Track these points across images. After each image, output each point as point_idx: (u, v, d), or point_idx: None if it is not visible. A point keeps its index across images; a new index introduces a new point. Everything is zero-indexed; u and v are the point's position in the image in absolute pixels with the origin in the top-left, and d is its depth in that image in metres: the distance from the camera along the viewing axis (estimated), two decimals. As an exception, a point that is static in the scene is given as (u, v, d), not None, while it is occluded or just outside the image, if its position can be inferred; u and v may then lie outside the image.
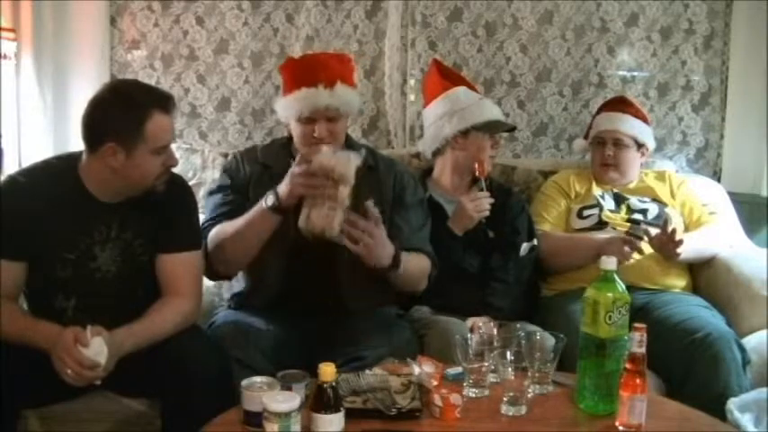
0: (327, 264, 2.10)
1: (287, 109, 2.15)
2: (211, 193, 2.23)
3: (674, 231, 2.37)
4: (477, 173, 2.42)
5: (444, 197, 2.51)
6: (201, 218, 2.16)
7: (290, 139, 2.24)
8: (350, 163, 1.92)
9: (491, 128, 2.49)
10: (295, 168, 1.96)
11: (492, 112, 2.52)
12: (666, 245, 2.37)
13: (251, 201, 2.10)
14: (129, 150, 1.84)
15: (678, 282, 2.52)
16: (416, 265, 2.14)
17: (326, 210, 1.91)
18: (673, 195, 2.67)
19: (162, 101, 1.88)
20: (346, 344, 2.01)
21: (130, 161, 1.85)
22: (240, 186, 2.19)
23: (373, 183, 2.20)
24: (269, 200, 1.99)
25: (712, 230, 2.59)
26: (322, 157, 1.93)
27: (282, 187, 1.98)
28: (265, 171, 2.18)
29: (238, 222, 2.05)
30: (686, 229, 2.60)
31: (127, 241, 1.96)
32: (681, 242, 2.36)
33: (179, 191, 2.07)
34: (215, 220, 2.13)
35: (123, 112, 1.84)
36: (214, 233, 2.09)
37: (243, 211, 2.07)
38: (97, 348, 1.73)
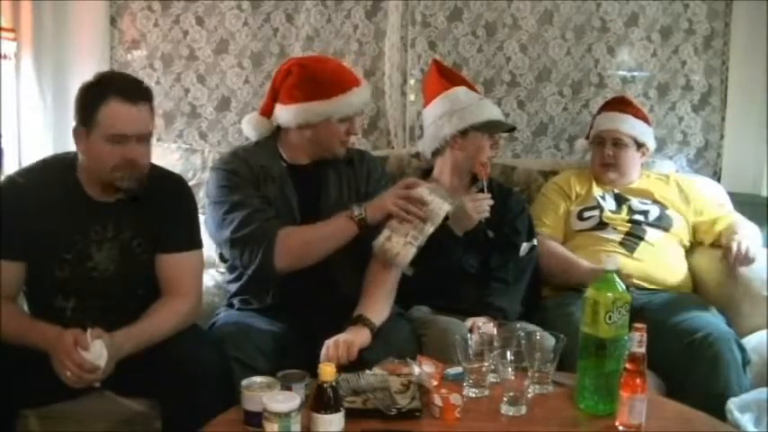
0: (324, 264, 2.11)
1: (330, 110, 2.14)
2: (230, 191, 2.13)
3: (747, 251, 2.41)
4: (479, 174, 2.42)
5: (444, 197, 2.51)
6: (201, 218, 2.16)
7: (267, 141, 2.25)
8: (443, 206, 2.04)
9: (490, 128, 2.48)
10: (397, 190, 2.06)
11: (491, 112, 2.52)
12: (742, 263, 2.42)
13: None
14: (87, 134, 1.87)
15: (678, 282, 2.52)
16: None
17: (408, 239, 2.02)
18: (686, 202, 2.66)
19: (125, 89, 1.87)
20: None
21: (89, 146, 1.88)
22: (252, 182, 2.17)
23: (351, 176, 2.26)
24: (356, 211, 2.05)
25: (747, 226, 2.59)
26: (422, 190, 2.04)
27: (376, 202, 2.07)
28: (261, 170, 2.18)
29: (319, 228, 2.10)
30: (695, 231, 2.63)
31: (125, 241, 1.96)
32: (753, 256, 2.42)
33: (179, 191, 2.07)
34: (259, 213, 2.09)
35: (85, 94, 1.88)
36: (288, 234, 2.07)
37: (271, 202, 2.13)
38: (97, 351, 1.73)
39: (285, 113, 2.18)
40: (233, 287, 2.25)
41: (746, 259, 2.41)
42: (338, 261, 2.12)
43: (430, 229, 2.04)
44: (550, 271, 2.51)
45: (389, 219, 2.04)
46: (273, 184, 2.17)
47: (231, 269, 2.26)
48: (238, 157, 2.21)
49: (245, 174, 2.16)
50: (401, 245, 2.02)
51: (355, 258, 2.15)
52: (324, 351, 1.91)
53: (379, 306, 2.10)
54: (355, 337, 1.96)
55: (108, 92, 1.86)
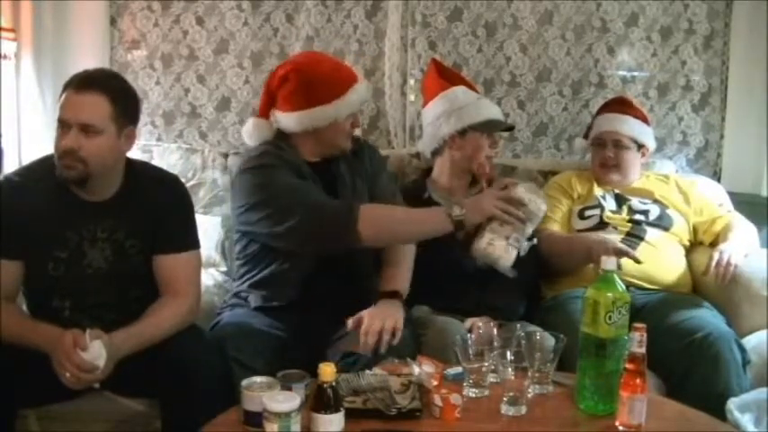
0: (350, 273, 2.15)
1: (334, 113, 2.13)
2: (272, 170, 2.10)
3: (726, 264, 2.39)
4: (480, 176, 2.41)
5: (444, 198, 2.51)
6: (202, 218, 2.15)
7: (281, 140, 2.23)
8: (541, 206, 2.02)
9: (489, 127, 2.48)
10: (495, 191, 2.03)
11: (490, 111, 2.51)
12: (724, 274, 2.40)
13: None
14: None
15: (678, 282, 2.52)
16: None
17: (510, 241, 2.00)
18: (687, 202, 2.65)
19: (77, 79, 1.89)
20: (345, 341, 2.03)
21: None
22: (293, 173, 2.14)
23: (357, 165, 2.27)
24: (456, 211, 1.99)
25: (741, 227, 2.58)
26: (521, 190, 2.01)
27: (475, 204, 2.02)
28: (294, 166, 2.15)
29: (411, 211, 2.13)
30: (695, 231, 2.63)
31: (118, 241, 1.96)
32: (735, 266, 2.40)
33: (175, 191, 2.07)
34: (309, 191, 2.08)
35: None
36: (373, 207, 2.10)
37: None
38: (96, 352, 1.74)
39: (287, 120, 2.16)
40: (252, 281, 2.20)
41: (727, 270, 2.39)
42: (364, 259, 2.15)
43: (529, 229, 2.02)
44: (554, 253, 2.49)
45: (488, 221, 2.01)
46: (306, 179, 2.15)
47: (255, 260, 2.20)
48: (269, 154, 2.17)
49: (282, 165, 2.13)
50: (503, 248, 2.00)
51: (377, 262, 2.19)
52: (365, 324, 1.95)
53: (404, 282, 2.17)
54: (396, 311, 2.01)
55: (67, 84, 1.90)
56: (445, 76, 2.62)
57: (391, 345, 1.95)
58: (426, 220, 2.07)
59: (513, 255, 2.01)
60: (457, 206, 2.00)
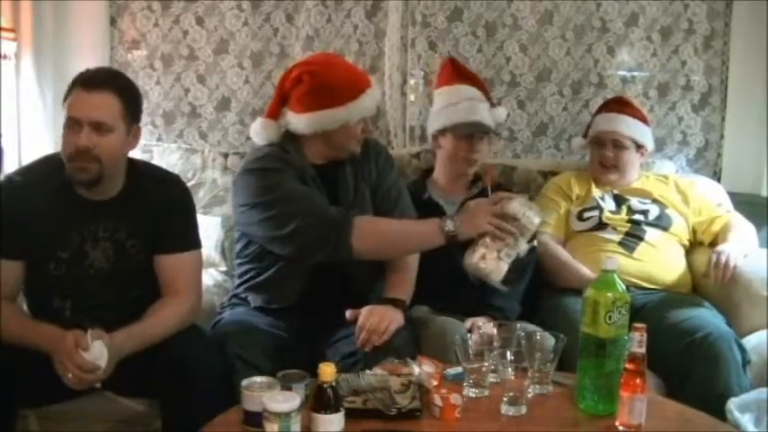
0: (347, 277, 2.15)
1: (346, 116, 2.12)
2: (275, 174, 2.10)
3: (726, 265, 2.39)
4: (483, 180, 2.42)
5: (443, 197, 2.52)
6: (203, 218, 2.15)
7: (287, 143, 2.22)
8: (534, 220, 2.01)
9: (460, 130, 2.48)
10: (489, 206, 2.02)
11: (466, 114, 2.48)
12: (724, 275, 2.40)
13: None
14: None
15: (678, 281, 2.52)
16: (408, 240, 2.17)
17: (501, 255, 1.99)
18: (686, 203, 2.65)
19: (85, 77, 1.89)
20: (344, 342, 2.04)
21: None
22: (296, 178, 2.14)
23: (363, 167, 2.26)
24: (448, 225, 2.00)
25: (740, 227, 2.58)
26: (515, 205, 2.00)
27: (469, 219, 2.01)
28: (297, 171, 2.15)
29: (404, 224, 2.15)
30: (695, 231, 2.63)
31: (120, 241, 1.96)
32: (734, 266, 2.40)
33: (176, 191, 2.07)
34: (312, 198, 2.09)
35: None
36: (367, 220, 2.10)
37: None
38: (98, 352, 1.74)
39: (298, 121, 2.15)
40: (252, 282, 2.21)
41: (726, 271, 2.39)
42: (366, 263, 2.14)
43: (522, 243, 2.02)
44: (547, 271, 2.51)
45: (481, 236, 2.01)
46: (309, 183, 2.15)
47: (255, 260, 2.20)
48: (274, 157, 2.16)
49: (286, 169, 2.13)
50: (494, 263, 2.00)
51: (377, 269, 2.19)
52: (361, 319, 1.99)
53: (409, 289, 2.17)
54: (394, 315, 2.02)
55: (74, 83, 1.89)
56: (454, 74, 2.62)
57: (388, 344, 1.96)
58: (419, 235, 2.09)
59: (504, 269, 2.01)
60: (450, 221, 2.01)
